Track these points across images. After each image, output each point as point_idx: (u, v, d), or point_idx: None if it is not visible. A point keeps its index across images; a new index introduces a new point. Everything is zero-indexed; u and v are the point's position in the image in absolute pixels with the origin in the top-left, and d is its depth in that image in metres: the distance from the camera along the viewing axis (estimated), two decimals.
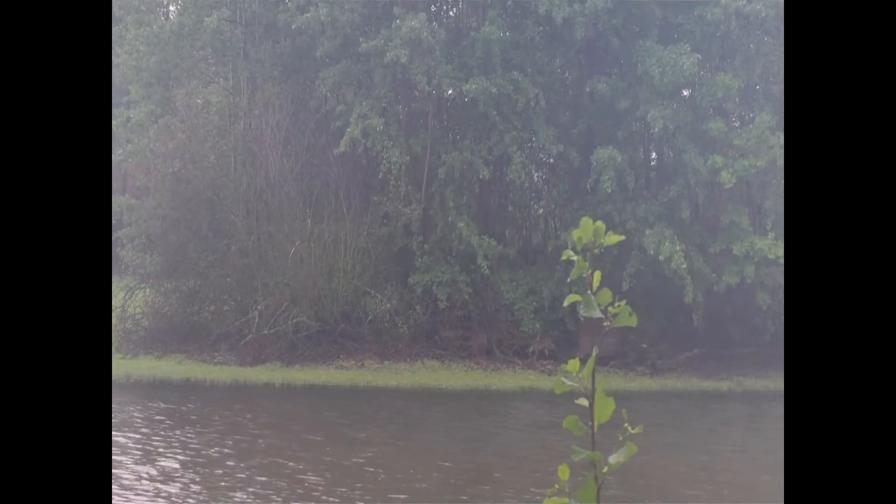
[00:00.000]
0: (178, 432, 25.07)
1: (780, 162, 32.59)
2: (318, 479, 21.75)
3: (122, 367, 31.23)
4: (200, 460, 22.75)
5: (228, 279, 34.75)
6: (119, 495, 19.99)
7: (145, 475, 21.43)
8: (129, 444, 24.25)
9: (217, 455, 23.25)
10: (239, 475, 21.78)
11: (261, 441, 25.02)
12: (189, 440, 24.50)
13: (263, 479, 21.41)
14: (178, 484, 20.85)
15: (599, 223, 3.39)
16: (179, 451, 23.45)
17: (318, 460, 23.72)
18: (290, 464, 22.79)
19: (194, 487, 20.98)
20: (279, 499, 19.98)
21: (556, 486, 3.29)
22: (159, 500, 19.59)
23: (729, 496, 20.72)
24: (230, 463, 22.65)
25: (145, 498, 19.70)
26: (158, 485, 21.07)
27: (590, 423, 3.26)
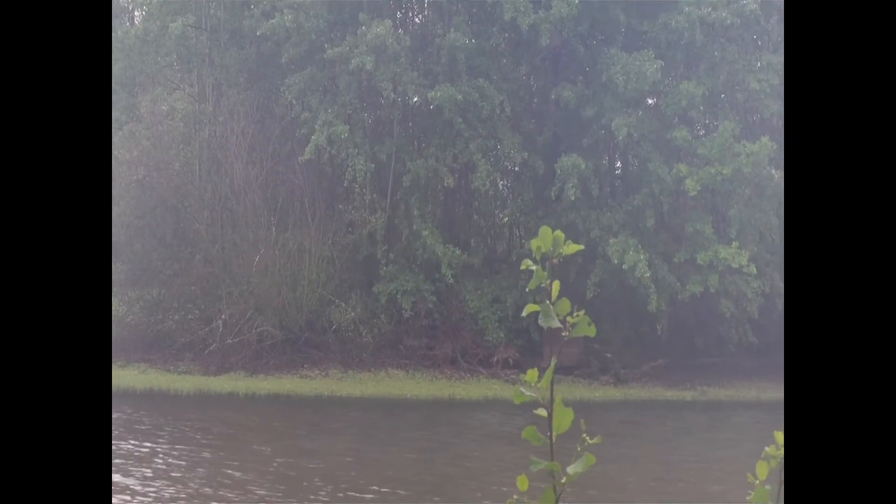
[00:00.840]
0: (130, 442, 24.90)
1: (746, 170, 32.96)
2: (260, 490, 21.51)
3: None
4: (147, 472, 22.54)
5: (193, 287, 34.73)
6: None
7: None
8: None
9: (163, 467, 23.14)
10: (178, 486, 21.61)
11: (206, 454, 24.89)
12: (135, 449, 24.37)
13: (208, 490, 21.30)
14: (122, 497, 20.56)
15: (558, 232, 3.36)
16: (126, 461, 23.29)
17: (264, 471, 23.46)
18: (236, 474, 22.55)
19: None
20: None
21: (515, 496, 3.30)
22: None
23: None
24: (175, 474, 22.53)
25: None
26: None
27: (548, 434, 3.26)
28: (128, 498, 20.85)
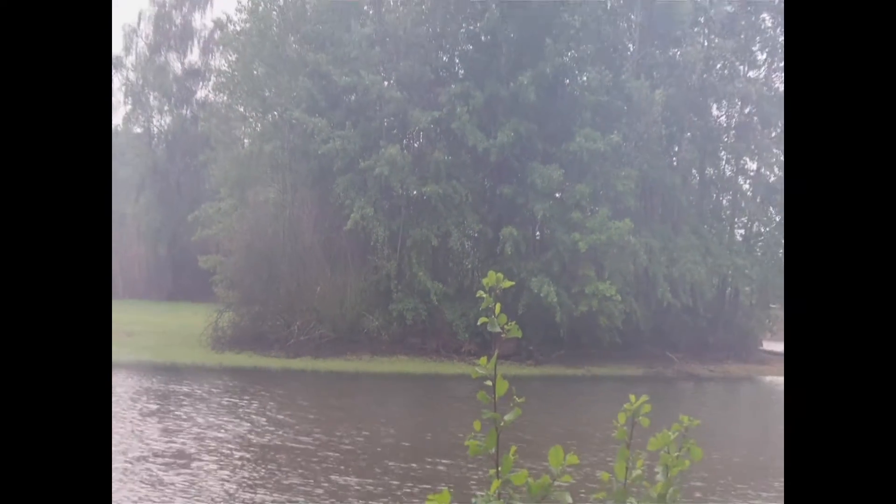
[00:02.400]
0: (242, 397, 25.97)
1: (615, 238, 34.07)
2: (316, 414, 22.79)
3: (215, 358, 32.52)
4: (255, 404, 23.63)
5: (279, 306, 35.19)
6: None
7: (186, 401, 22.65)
8: (200, 393, 25.79)
9: (262, 404, 24.14)
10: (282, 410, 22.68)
11: (288, 401, 25.80)
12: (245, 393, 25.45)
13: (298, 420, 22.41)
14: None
15: (500, 274, 3.34)
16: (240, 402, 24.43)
17: (324, 406, 24.98)
18: (303, 410, 23.71)
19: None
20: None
21: (472, 433, 3.20)
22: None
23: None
24: (274, 406, 23.46)
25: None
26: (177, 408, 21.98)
27: (493, 396, 3.21)
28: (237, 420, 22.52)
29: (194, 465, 16.94)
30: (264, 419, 22.07)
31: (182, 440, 19.10)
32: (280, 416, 22.63)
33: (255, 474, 16.52)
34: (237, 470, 16.83)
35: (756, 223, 42.91)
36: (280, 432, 20.53)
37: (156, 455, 17.45)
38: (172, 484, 15.32)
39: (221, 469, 16.74)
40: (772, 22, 42.21)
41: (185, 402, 24.22)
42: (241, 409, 23.48)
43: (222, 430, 20.43)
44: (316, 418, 22.76)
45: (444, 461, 18.05)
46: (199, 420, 21.52)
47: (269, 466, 17.11)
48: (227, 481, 15.82)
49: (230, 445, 18.86)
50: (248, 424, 21.24)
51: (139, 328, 36.98)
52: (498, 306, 3.29)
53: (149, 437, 19.29)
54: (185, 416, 21.92)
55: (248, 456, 17.97)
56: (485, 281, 3.33)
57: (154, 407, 23.32)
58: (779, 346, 43.19)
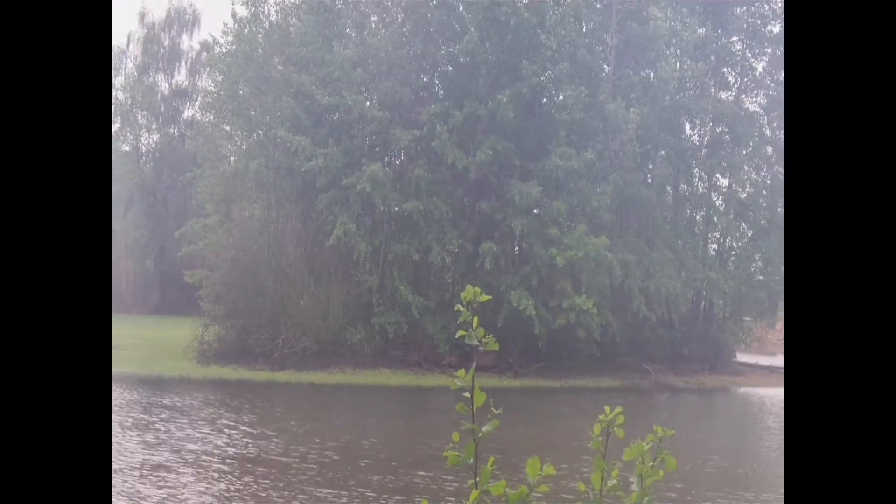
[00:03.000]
0: (226, 404, 26.40)
1: (591, 253, 34.20)
2: (300, 421, 23.10)
3: (200, 371, 32.63)
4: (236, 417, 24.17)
5: (263, 320, 35.24)
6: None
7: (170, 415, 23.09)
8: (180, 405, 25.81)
9: (249, 415, 24.51)
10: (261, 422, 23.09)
11: (270, 410, 26.22)
12: (228, 404, 25.89)
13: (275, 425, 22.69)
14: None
15: (477, 288, 3.35)
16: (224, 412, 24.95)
17: (304, 417, 25.01)
18: (280, 421, 23.87)
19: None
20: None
21: (450, 444, 3.22)
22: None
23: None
24: (252, 419, 23.81)
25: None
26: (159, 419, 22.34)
27: (471, 407, 3.22)
28: (231, 422, 22.93)
29: (172, 477, 17.05)
30: (245, 431, 22.19)
31: (161, 452, 19.21)
32: (261, 429, 22.74)
33: (230, 486, 16.62)
34: (213, 482, 16.91)
35: (729, 238, 43.57)
36: (260, 444, 20.66)
37: (132, 468, 17.53)
38: (149, 497, 15.41)
39: (199, 481, 16.80)
40: (741, 45, 43.09)
41: (167, 414, 24.33)
42: (222, 422, 23.59)
43: (201, 443, 20.51)
44: (296, 430, 22.88)
45: (421, 472, 18.09)
46: (179, 433, 21.53)
47: (245, 479, 17.18)
48: (204, 493, 15.93)
49: (208, 457, 18.94)
50: (227, 437, 21.34)
51: (126, 341, 37.20)
52: (476, 320, 3.32)
53: (128, 449, 19.39)
54: (164, 429, 22.00)
55: (225, 468, 18.09)
56: (463, 295, 3.37)
57: (137, 419, 23.42)
58: (752, 358, 43.83)
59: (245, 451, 19.78)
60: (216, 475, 17.47)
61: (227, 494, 15.98)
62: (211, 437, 21.14)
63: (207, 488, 16.38)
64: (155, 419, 23.45)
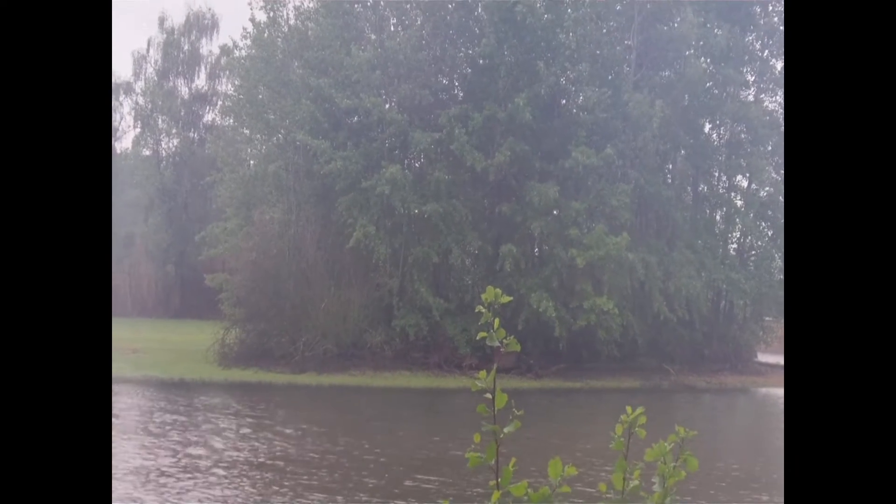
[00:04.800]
0: (252, 406, 26.73)
1: (612, 253, 34.03)
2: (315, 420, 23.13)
3: (222, 374, 32.87)
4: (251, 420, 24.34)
5: (284, 323, 35.24)
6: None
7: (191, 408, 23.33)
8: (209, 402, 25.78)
9: (267, 413, 24.90)
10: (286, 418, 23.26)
11: (293, 411, 26.62)
12: (254, 407, 26.26)
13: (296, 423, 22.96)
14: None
15: (498, 290, 3.36)
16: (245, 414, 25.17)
17: (324, 416, 24.98)
18: (306, 421, 24.03)
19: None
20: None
21: (473, 445, 3.24)
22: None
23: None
24: (275, 418, 23.96)
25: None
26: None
27: (492, 409, 3.23)
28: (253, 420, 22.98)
29: (178, 482, 16.96)
30: (264, 434, 22.17)
31: (183, 454, 19.29)
32: (282, 430, 22.89)
33: (239, 490, 16.62)
34: (235, 485, 16.94)
35: (749, 237, 43.13)
36: (284, 444, 20.77)
37: (145, 470, 17.59)
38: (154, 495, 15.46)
39: (213, 486, 16.77)
40: (760, 44, 42.62)
41: (187, 417, 24.52)
42: (240, 424, 23.70)
43: (217, 444, 20.66)
44: (317, 432, 22.94)
45: (437, 475, 18.10)
46: (193, 436, 21.58)
47: (266, 476, 17.38)
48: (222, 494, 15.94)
49: (229, 458, 19.01)
50: (243, 439, 21.45)
51: (147, 345, 37.23)
52: (497, 321, 3.33)
53: (152, 450, 19.51)
54: (181, 432, 22.12)
55: (235, 472, 18.07)
56: (484, 297, 3.37)
57: (162, 420, 23.54)
58: (773, 358, 43.26)
59: (265, 453, 19.69)
60: (226, 477, 17.54)
61: (241, 499, 15.94)
62: (227, 440, 21.26)
63: (234, 490, 16.40)
64: (179, 420, 23.65)
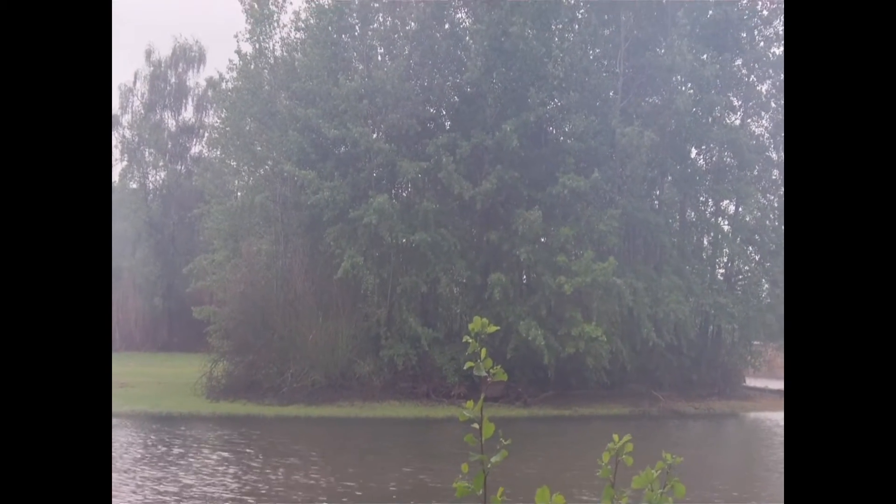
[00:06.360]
0: (239, 439, 26.63)
1: (600, 279, 34.05)
2: (307, 461, 23.19)
3: (209, 407, 32.55)
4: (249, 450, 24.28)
5: (272, 354, 35.22)
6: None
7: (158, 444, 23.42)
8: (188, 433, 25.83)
9: (258, 447, 24.79)
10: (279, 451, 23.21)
11: (279, 442, 26.52)
12: (238, 440, 26.04)
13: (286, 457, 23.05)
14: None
15: (485, 320, 3.36)
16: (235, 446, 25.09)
17: (311, 450, 25.17)
18: (299, 454, 24.43)
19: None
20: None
21: (460, 475, 3.24)
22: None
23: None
24: (268, 451, 23.98)
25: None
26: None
27: (479, 438, 3.25)
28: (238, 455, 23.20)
29: None
30: (239, 468, 22.15)
31: (150, 490, 19.18)
32: (258, 464, 22.64)
33: None
34: None
35: (736, 262, 43.45)
36: (256, 478, 20.71)
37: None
38: None
39: None
40: (746, 70, 43.11)
41: (166, 450, 24.37)
42: (219, 459, 23.54)
43: (188, 480, 20.43)
44: (292, 465, 22.85)
45: None
46: (167, 472, 21.34)
47: None
48: None
49: (196, 493, 18.92)
50: (216, 474, 21.28)
51: (135, 379, 37.30)
52: (484, 351, 3.38)
53: (118, 487, 19.26)
54: (154, 466, 21.93)
55: None
56: (471, 326, 3.41)
57: (141, 455, 23.53)
58: (762, 383, 43.49)
59: (248, 487, 19.72)
60: None
61: None
62: (206, 473, 21.20)
63: None
64: (160, 454, 23.57)
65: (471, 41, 38.68)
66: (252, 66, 39.93)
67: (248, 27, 39.97)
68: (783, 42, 38.64)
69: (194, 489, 19.41)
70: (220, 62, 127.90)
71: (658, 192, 42.93)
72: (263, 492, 19.20)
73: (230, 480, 20.55)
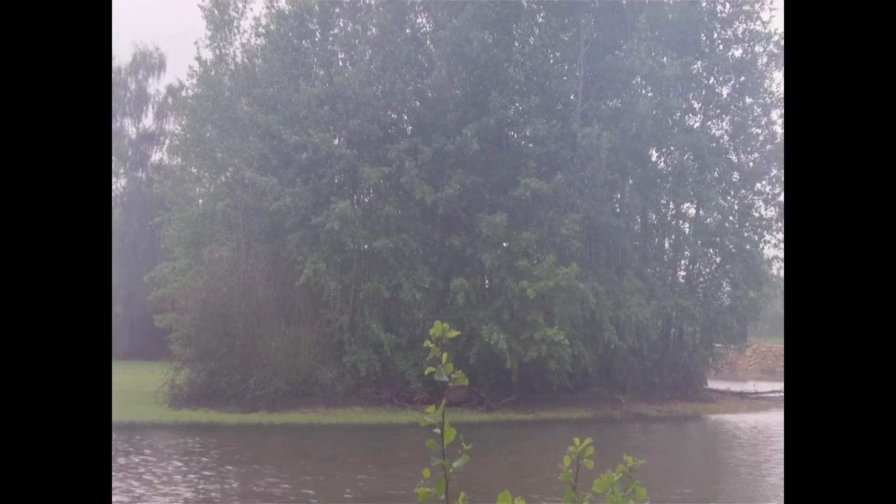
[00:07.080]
0: (198, 447, 26.67)
1: (562, 283, 34.36)
2: (274, 465, 23.21)
3: (171, 415, 32.46)
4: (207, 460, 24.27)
5: (235, 361, 35.04)
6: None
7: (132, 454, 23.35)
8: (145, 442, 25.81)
9: (220, 455, 24.72)
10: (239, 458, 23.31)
11: (240, 452, 26.24)
12: (196, 446, 26.00)
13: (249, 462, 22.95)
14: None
15: (446, 325, 3.36)
16: (192, 455, 25.03)
17: (273, 457, 25.17)
18: (258, 462, 24.22)
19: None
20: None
21: (422, 481, 3.24)
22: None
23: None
24: (230, 459, 24.09)
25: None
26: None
27: (441, 444, 3.25)
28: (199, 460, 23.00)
29: None
30: (193, 476, 22.14)
31: (116, 497, 19.09)
32: (213, 472, 22.73)
33: None
34: None
35: (697, 264, 43.87)
36: (208, 486, 20.75)
37: None
38: None
39: None
40: (706, 72, 43.60)
41: (125, 460, 24.31)
42: (175, 468, 23.45)
43: (140, 490, 20.37)
44: (247, 472, 22.83)
45: None
46: (118, 482, 21.33)
47: None
48: None
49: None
50: (169, 483, 21.22)
51: None
52: (445, 356, 3.37)
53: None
54: (122, 476, 21.86)
55: None
56: (431, 331, 3.41)
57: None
58: (723, 385, 43.94)
59: (207, 495, 19.75)
60: None
61: None
62: (166, 481, 21.19)
63: None
64: (122, 464, 23.43)
65: (432, 46, 39.18)
66: (212, 73, 39.95)
67: (209, 33, 39.96)
68: (783, 41, 38.94)
69: (146, 500, 19.36)
70: (180, 69, 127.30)
71: (619, 196, 43.35)
72: (217, 500, 19.32)
73: (184, 489, 20.59)
